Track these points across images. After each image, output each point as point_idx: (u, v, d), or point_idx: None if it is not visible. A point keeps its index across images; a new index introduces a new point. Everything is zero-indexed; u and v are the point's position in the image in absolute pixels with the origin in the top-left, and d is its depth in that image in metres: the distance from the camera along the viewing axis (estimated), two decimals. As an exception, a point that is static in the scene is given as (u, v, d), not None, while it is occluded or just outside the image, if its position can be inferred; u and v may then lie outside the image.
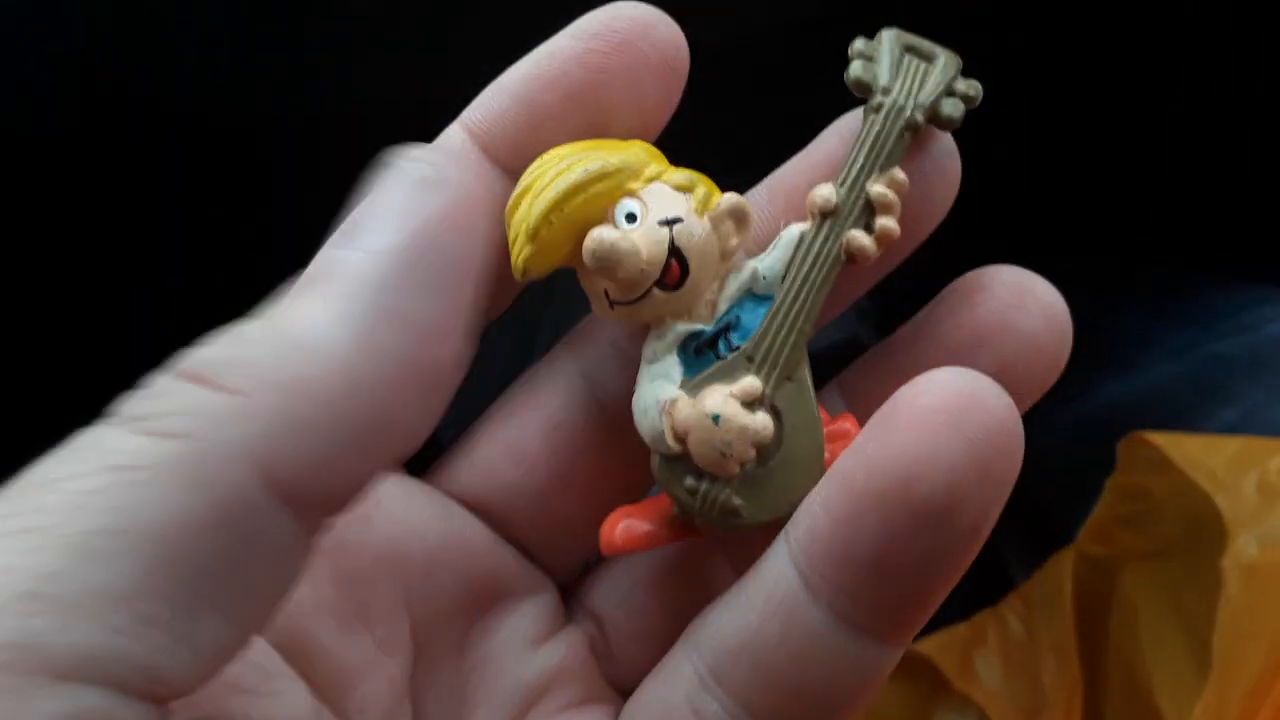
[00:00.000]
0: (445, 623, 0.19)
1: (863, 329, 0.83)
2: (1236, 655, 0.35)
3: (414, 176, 0.15)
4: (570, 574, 0.21)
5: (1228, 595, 0.36)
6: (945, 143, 0.20)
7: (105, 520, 0.12)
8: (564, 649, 0.20)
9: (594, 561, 0.21)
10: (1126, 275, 0.65)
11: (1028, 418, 0.56)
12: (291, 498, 0.13)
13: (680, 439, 0.18)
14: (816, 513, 0.16)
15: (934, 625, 0.54)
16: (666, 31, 0.18)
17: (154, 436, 0.12)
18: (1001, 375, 0.17)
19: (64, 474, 0.12)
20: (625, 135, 0.19)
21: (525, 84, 0.18)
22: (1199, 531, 0.41)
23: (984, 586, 0.60)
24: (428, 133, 0.18)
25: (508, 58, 0.18)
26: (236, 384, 0.13)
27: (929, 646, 0.52)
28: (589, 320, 0.20)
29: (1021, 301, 0.19)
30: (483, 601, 0.19)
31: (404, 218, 0.14)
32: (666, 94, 0.19)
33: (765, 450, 0.18)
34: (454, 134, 0.19)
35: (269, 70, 0.40)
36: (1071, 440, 0.61)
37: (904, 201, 0.19)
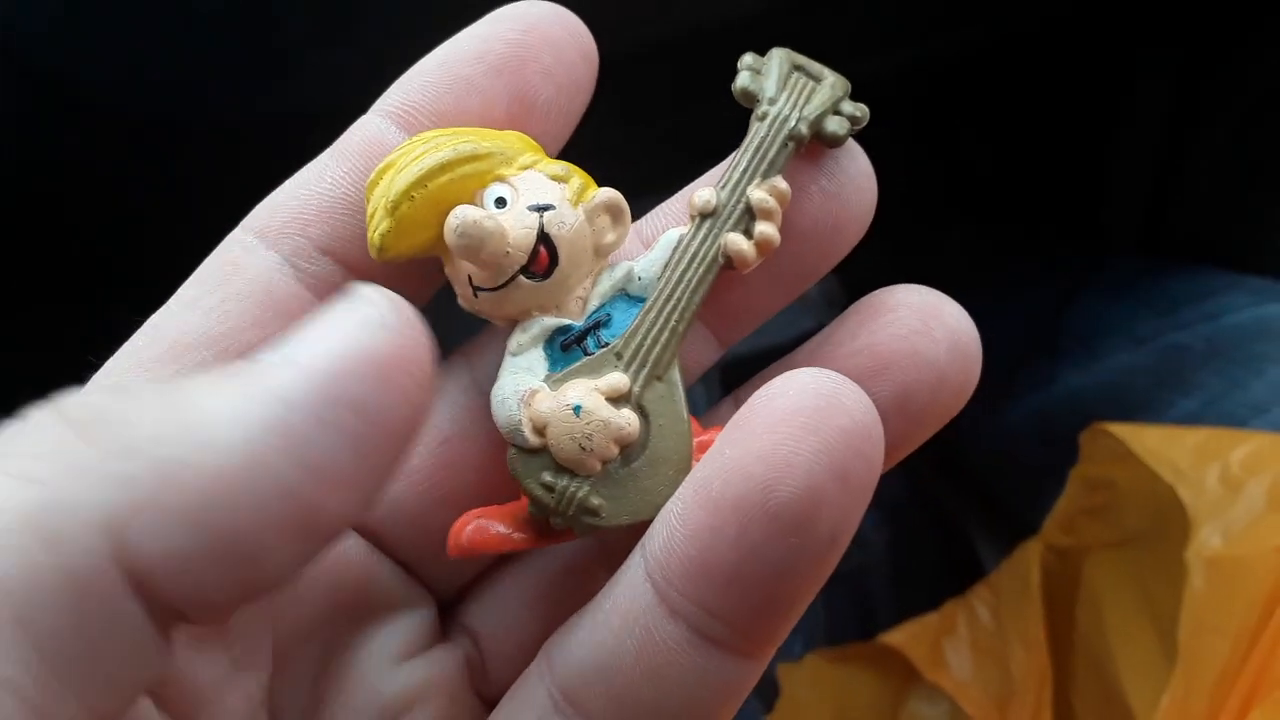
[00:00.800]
0: (309, 637, 0.18)
1: (830, 315, 0.84)
2: (1202, 648, 0.36)
3: (363, 313, 0.13)
4: (452, 590, 0.20)
5: (1192, 588, 0.37)
6: (862, 164, 0.20)
7: None
8: (433, 665, 0.19)
9: (476, 578, 0.20)
10: (1090, 264, 0.65)
11: (993, 407, 0.56)
12: (144, 587, 0.12)
13: (539, 431, 0.17)
14: (672, 524, 0.16)
15: (904, 615, 0.54)
16: (576, 21, 0.19)
17: (19, 480, 0.11)
18: (903, 402, 0.17)
19: None
20: (547, 114, 0.19)
21: (445, 61, 0.18)
22: (1164, 522, 0.41)
23: (956, 575, 0.60)
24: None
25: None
26: (110, 443, 0.12)
27: (899, 637, 0.53)
28: (487, 331, 0.20)
29: (928, 327, 0.17)
30: (352, 615, 0.18)
31: (341, 347, 0.13)
32: (582, 76, 0.19)
33: (629, 449, 0.17)
34: (369, 122, 0.19)
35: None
36: (1037, 430, 0.62)
37: (806, 217, 0.19)
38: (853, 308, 0.18)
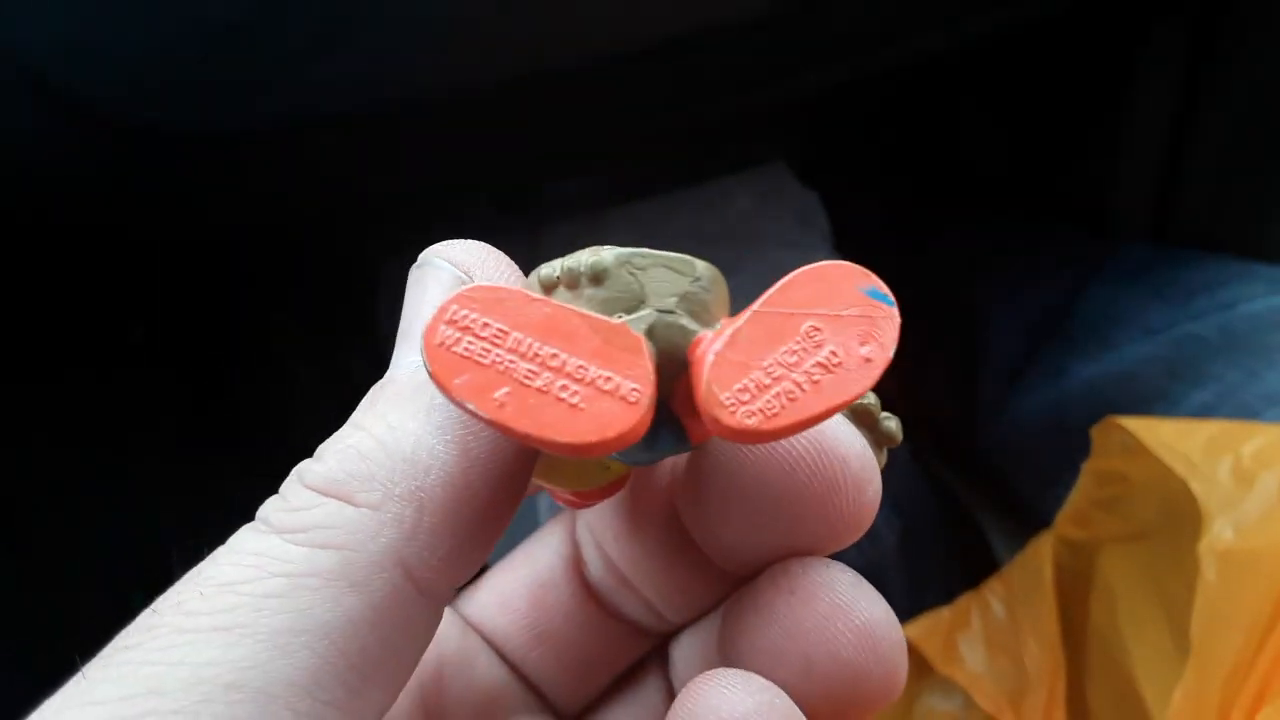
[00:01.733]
0: None
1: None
2: (1215, 641, 0.35)
3: (450, 275, 0.16)
4: (573, 711, 0.21)
5: (1204, 581, 0.37)
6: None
7: (286, 620, 0.14)
8: None
9: (596, 701, 0.21)
10: (1101, 254, 0.65)
11: (1005, 398, 0.56)
12: (427, 588, 0.15)
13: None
14: None
15: (917, 610, 0.54)
16: None
17: (314, 548, 0.14)
18: (825, 700, 0.16)
19: (238, 578, 0.14)
20: None
21: None
22: (1177, 515, 0.41)
23: (969, 569, 0.60)
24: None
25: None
26: (368, 499, 0.15)
27: (913, 631, 0.53)
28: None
29: (835, 628, 0.16)
30: (493, 714, 0.20)
31: None
32: None
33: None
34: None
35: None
36: (1050, 422, 0.61)
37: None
38: (770, 576, 0.17)
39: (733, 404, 0.14)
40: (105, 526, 0.51)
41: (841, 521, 0.16)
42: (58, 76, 0.36)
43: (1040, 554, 0.48)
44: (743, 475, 0.16)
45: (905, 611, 0.55)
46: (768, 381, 0.14)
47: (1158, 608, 0.43)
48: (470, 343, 0.14)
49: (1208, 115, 0.63)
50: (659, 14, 0.38)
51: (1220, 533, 0.37)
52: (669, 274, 0.15)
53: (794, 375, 0.14)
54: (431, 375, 0.14)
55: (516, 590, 0.21)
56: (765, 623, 0.16)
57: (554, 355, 0.14)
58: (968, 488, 0.71)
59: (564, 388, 0.14)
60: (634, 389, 0.14)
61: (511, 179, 0.52)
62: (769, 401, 0.14)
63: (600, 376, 0.14)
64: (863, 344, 0.15)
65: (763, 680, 0.15)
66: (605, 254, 0.15)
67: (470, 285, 0.15)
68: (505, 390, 0.14)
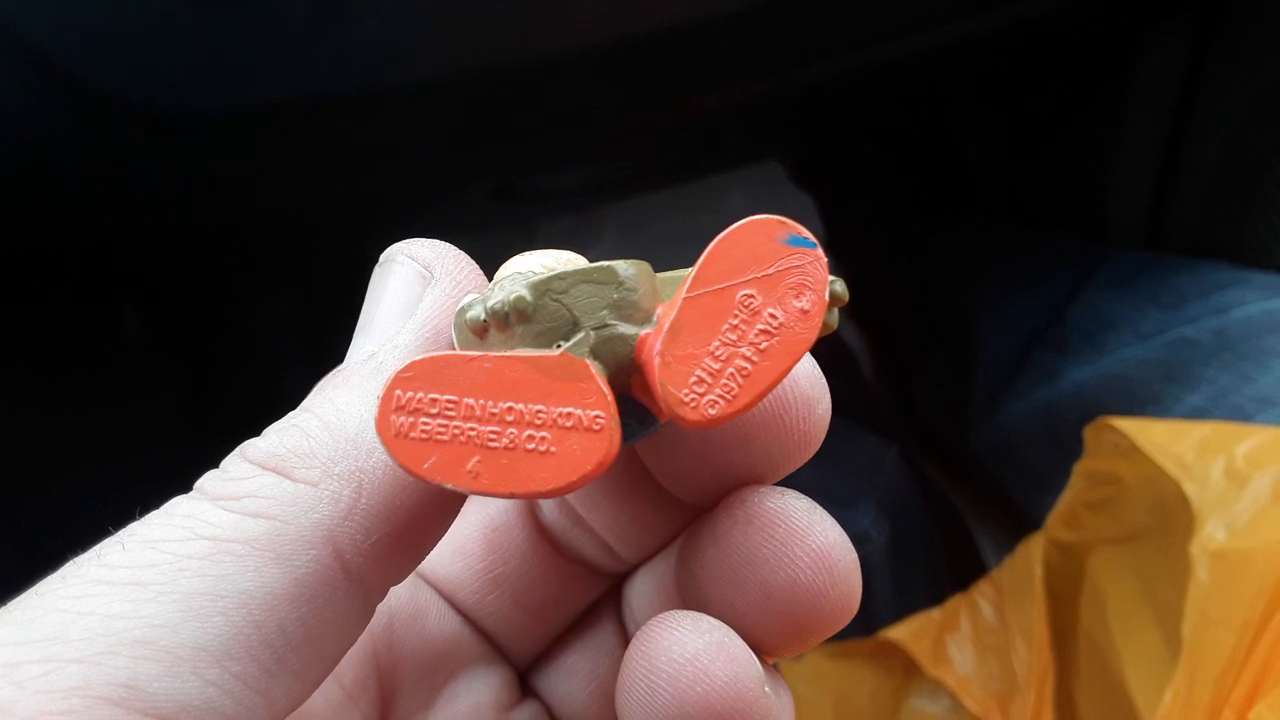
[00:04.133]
0: (411, 681, 0.20)
1: (833, 313, 0.83)
2: (1206, 642, 0.35)
3: (411, 270, 0.17)
4: (526, 658, 0.21)
5: (1196, 582, 0.36)
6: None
7: (205, 584, 0.13)
8: (527, 717, 0.20)
9: (548, 648, 0.21)
10: (1095, 259, 0.65)
11: (997, 402, 0.56)
12: (356, 575, 0.15)
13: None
14: None
15: (905, 612, 0.54)
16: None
17: (244, 515, 0.14)
18: (781, 625, 0.16)
19: (163, 537, 0.14)
20: None
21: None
22: (1168, 517, 0.41)
23: (958, 572, 0.60)
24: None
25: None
26: (307, 475, 0.14)
27: (901, 632, 0.52)
28: None
29: (792, 553, 0.16)
30: (447, 666, 0.20)
31: (417, 313, 0.16)
32: None
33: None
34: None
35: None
36: (1042, 425, 0.61)
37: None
38: (726, 506, 0.17)
39: (692, 399, 0.14)
40: (101, 515, 0.50)
41: (793, 440, 0.16)
42: (55, 57, 0.35)
43: (1031, 555, 0.48)
44: None
45: (893, 613, 0.55)
46: (717, 366, 0.14)
47: (1148, 609, 0.42)
48: (425, 423, 0.14)
49: (1204, 122, 0.63)
50: (654, 3, 0.38)
51: (1213, 533, 0.36)
52: (592, 288, 0.15)
53: (741, 350, 0.15)
54: (398, 465, 0.14)
55: (470, 535, 0.20)
56: (723, 553, 0.16)
57: (509, 409, 0.14)
58: (957, 490, 0.70)
59: (530, 438, 0.14)
60: (596, 416, 0.14)
61: (506, 169, 0.51)
62: (725, 385, 0.14)
63: (560, 415, 0.14)
64: (798, 297, 0.15)
65: (712, 620, 0.16)
66: (520, 287, 0.15)
67: (405, 363, 0.14)
68: (476, 460, 0.14)
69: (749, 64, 0.44)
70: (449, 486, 0.14)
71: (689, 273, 0.15)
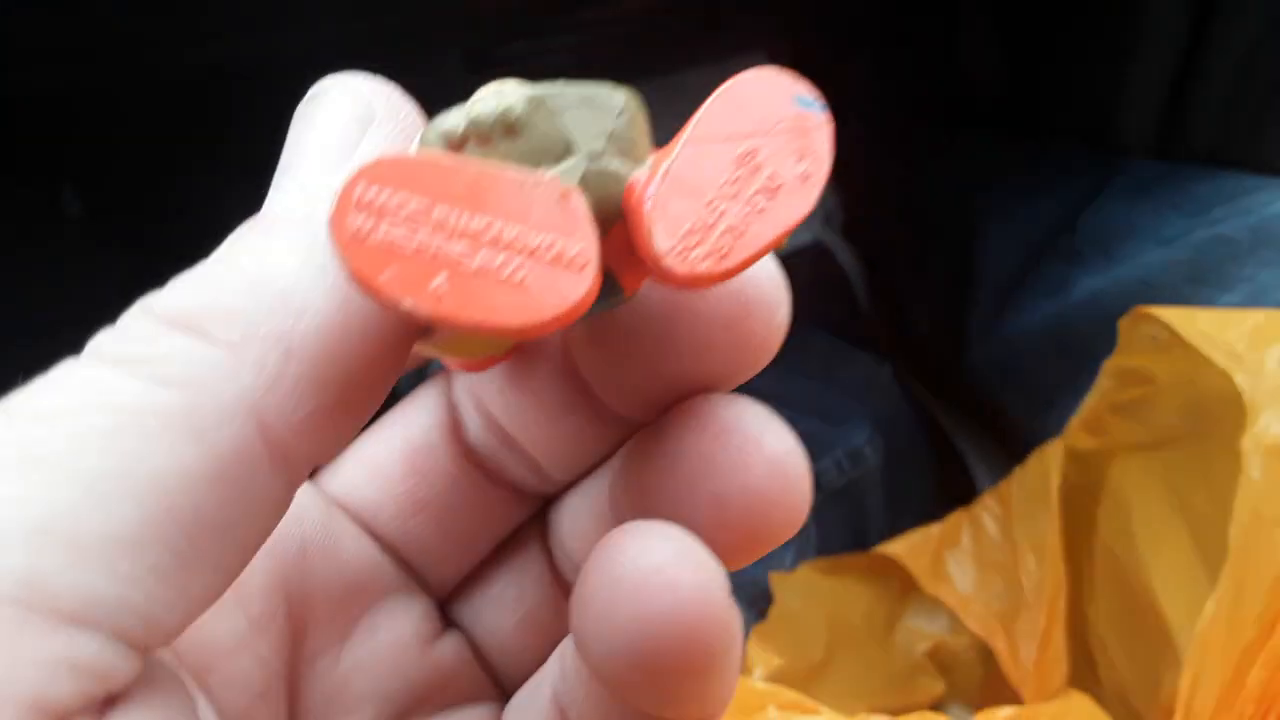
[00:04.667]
0: (324, 613, 0.18)
1: (827, 233, 0.79)
2: (1258, 543, 0.32)
3: (348, 109, 0.15)
4: (442, 589, 0.20)
5: (1247, 479, 0.33)
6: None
7: (111, 463, 0.12)
8: (448, 650, 0.19)
9: (468, 577, 0.20)
10: (1107, 168, 0.61)
11: (1000, 319, 0.52)
12: (281, 453, 0.13)
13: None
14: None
15: (900, 530, 0.51)
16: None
17: (153, 382, 0.12)
18: (732, 535, 0.16)
19: (58, 408, 0.12)
20: None
21: None
22: (1208, 417, 0.38)
23: (952, 494, 0.57)
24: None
25: None
26: (227, 336, 0.13)
27: (898, 548, 0.49)
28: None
29: (747, 460, 0.16)
30: (363, 597, 0.18)
31: (350, 156, 0.14)
32: None
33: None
34: None
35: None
36: (1047, 339, 0.58)
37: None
38: (677, 416, 0.16)
39: (682, 251, 0.13)
40: None
41: (752, 347, 0.16)
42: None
43: (1046, 465, 0.44)
44: (647, 305, 0.16)
45: (887, 535, 0.52)
46: (711, 219, 0.13)
47: (1179, 520, 0.39)
48: (389, 228, 0.12)
49: (1221, 28, 0.59)
50: None
51: (1268, 427, 0.33)
52: (592, 112, 0.14)
53: (737, 207, 0.14)
54: (351, 274, 0.12)
55: (390, 457, 0.19)
56: (673, 465, 0.16)
57: (487, 226, 0.13)
58: (951, 413, 0.68)
59: (504, 264, 0.12)
60: (579, 251, 0.13)
61: (478, 33, 0.47)
62: (718, 241, 0.13)
63: (541, 244, 0.13)
64: (799, 160, 0.14)
65: (676, 528, 0.15)
66: (512, 97, 0.13)
67: (374, 159, 0.12)
68: (442, 278, 0.12)
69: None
70: (406, 304, 0.12)
71: (693, 121, 0.14)
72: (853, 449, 0.59)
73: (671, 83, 0.71)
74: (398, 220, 0.12)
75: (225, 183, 0.60)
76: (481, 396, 0.18)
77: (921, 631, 0.50)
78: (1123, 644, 0.42)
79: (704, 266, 0.13)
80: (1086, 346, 0.49)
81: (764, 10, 0.66)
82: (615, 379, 0.17)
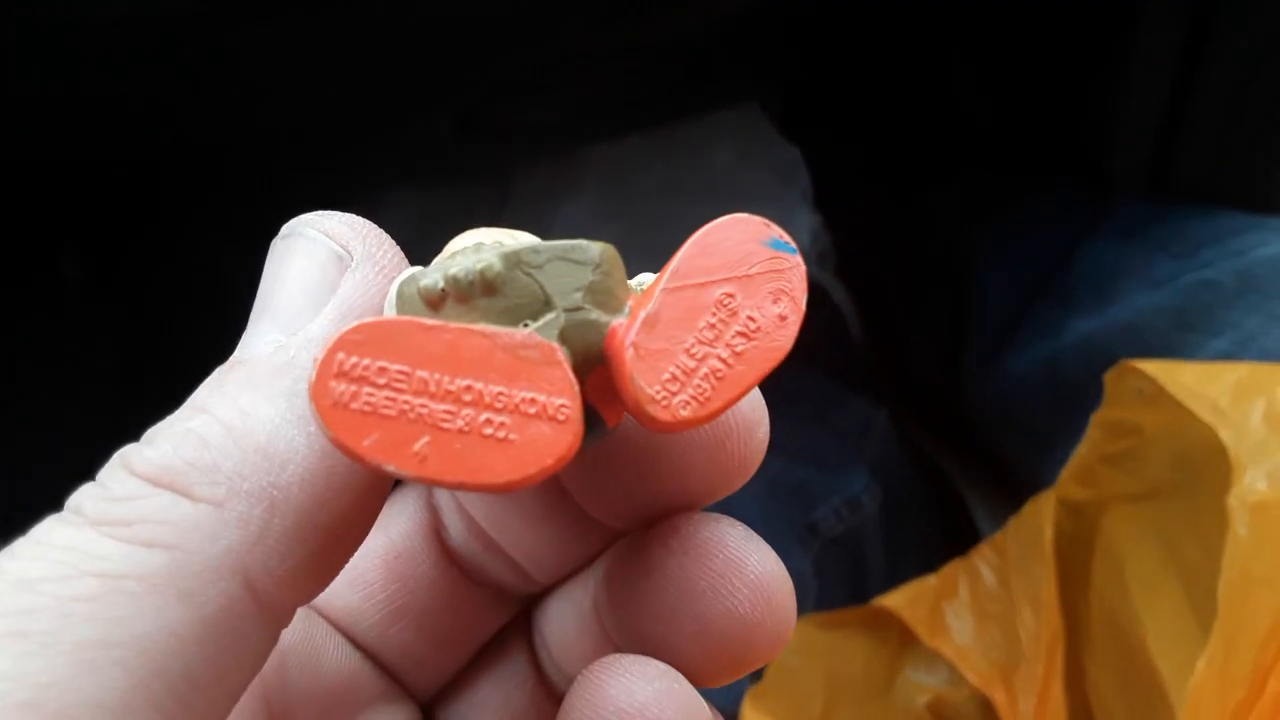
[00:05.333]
0: None
1: (822, 273, 0.80)
2: (1246, 601, 0.32)
3: (325, 248, 0.15)
4: (429, 693, 0.20)
5: (1234, 537, 0.33)
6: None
7: (97, 631, 0.12)
8: None
9: (452, 682, 0.20)
10: (1098, 209, 0.61)
11: (995, 361, 0.52)
12: (268, 604, 0.13)
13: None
14: None
15: (900, 580, 0.50)
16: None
17: (136, 545, 0.12)
18: (716, 657, 0.16)
19: (42, 575, 0.12)
20: None
21: None
22: (1196, 469, 0.38)
23: (952, 541, 0.56)
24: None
25: None
26: (211, 494, 0.13)
27: (896, 600, 0.49)
28: None
29: (730, 584, 0.16)
30: (345, 707, 0.18)
31: (328, 300, 0.14)
32: None
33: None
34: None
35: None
36: (1040, 382, 0.58)
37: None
38: (660, 533, 0.16)
39: (664, 397, 0.14)
40: (45, 478, 0.47)
41: (732, 467, 0.16)
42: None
43: (1040, 515, 0.44)
44: (628, 432, 0.16)
45: (886, 582, 0.52)
46: (692, 364, 0.14)
47: (1171, 573, 0.39)
48: (370, 394, 0.13)
49: (1212, 65, 0.59)
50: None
51: (1252, 484, 0.33)
52: (568, 266, 0.14)
53: (716, 351, 0.14)
54: (334, 441, 0.12)
55: (370, 564, 0.18)
56: (657, 586, 0.16)
57: (467, 387, 0.13)
58: (950, 456, 0.67)
59: (487, 422, 0.13)
60: (561, 405, 0.13)
61: (467, 96, 0.47)
62: (698, 386, 0.14)
63: (523, 400, 0.13)
64: (775, 301, 0.14)
65: (660, 665, 0.15)
66: (489, 256, 0.14)
67: (350, 326, 0.13)
68: (424, 441, 0.13)
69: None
70: (389, 469, 0.12)
71: (668, 269, 0.14)
72: (850, 497, 0.59)
73: (661, 136, 0.71)
74: (378, 386, 0.12)
75: (205, 243, 0.61)
76: (463, 501, 0.18)
77: (921, 684, 0.49)
78: (1120, 697, 0.41)
79: (686, 412, 0.14)
80: (1080, 390, 0.48)
81: (755, 59, 0.67)
82: (598, 494, 0.17)
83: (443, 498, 0.19)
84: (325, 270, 0.15)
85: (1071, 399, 0.50)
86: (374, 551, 0.19)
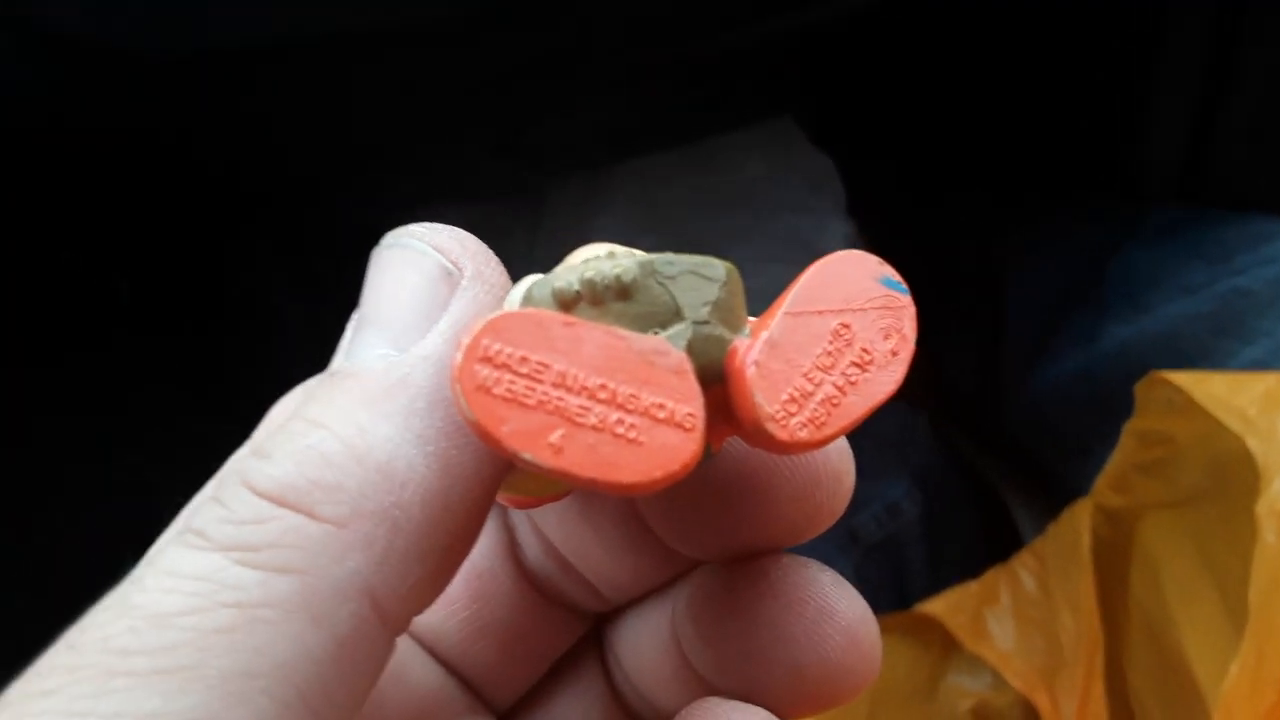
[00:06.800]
0: None
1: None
2: (1276, 608, 0.33)
3: (435, 263, 0.15)
4: (503, 709, 0.20)
5: (1264, 545, 0.34)
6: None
7: (239, 661, 0.12)
8: None
9: (530, 694, 0.20)
10: (1131, 215, 0.62)
11: (1032, 367, 0.53)
12: (391, 619, 0.13)
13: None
14: None
15: (939, 587, 0.51)
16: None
17: (269, 572, 0.12)
18: (806, 699, 0.16)
19: (178, 609, 0.12)
20: None
21: None
22: (1228, 478, 0.38)
23: (992, 546, 0.57)
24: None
25: None
26: (334, 514, 0.13)
27: (938, 606, 0.50)
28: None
29: (823, 632, 0.16)
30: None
31: (440, 317, 0.14)
32: None
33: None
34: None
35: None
36: (1077, 389, 0.58)
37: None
38: (748, 575, 0.17)
39: (783, 417, 0.14)
40: (100, 499, 0.49)
41: (819, 514, 0.16)
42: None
43: (1077, 522, 0.45)
44: (717, 470, 0.16)
45: (928, 588, 0.53)
46: (810, 388, 0.14)
47: (1207, 578, 0.40)
48: (512, 381, 0.13)
49: (1241, 72, 0.59)
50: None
51: (1281, 492, 0.34)
52: (698, 280, 0.14)
53: (832, 378, 0.14)
54: (474, 425, 0.13)
55: (453, 583, 0.18)
56: (749, 627, 0.16)
57: (602, 385, 0.13)
58: (991, 461, 0.68)
59: (619, 421, 0.13)
60: (688, 413, 0.13)
61: (502, 119, 0.49)
62: (815, 410, 0.14)
63: (652, 404, 0.13)
64: (886, 338, 0.15)
65: (761, 713, 0.15)
66: (627, 262, 0.14)
67: (498, 314, 0.13)
68: (560, 433, 0.13)
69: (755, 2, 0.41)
70: (526, 457, 0.13)
71: (789, 295, 0.15)
72: (891, 503, 0.60)
73: (695, 150, 0.73)
74: (519, 374, 0.13)
75: (255, 271, 0.63)
76: (539, 523, 0.19)
77: (964, 689, 0.50)
78: (1159, 701, 0.42)
79: (803, 434, 0.14)
80: (1117, 397, 0.49)
81: (785, 74, 0.68)
82: (679, 529, 0.17)
83: (518, 518, 0.19)
84: (436, 286, 0.14)
85: (1108, 406, 0.51)
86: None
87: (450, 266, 0.14)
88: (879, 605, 0.55)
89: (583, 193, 0.74)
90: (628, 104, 0.57)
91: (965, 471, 0.66)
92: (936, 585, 0.52)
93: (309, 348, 0.15)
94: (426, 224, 0.15)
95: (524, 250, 0.70)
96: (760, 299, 0.16)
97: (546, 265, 0.15)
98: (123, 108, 0.38)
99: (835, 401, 0.14)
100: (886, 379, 0.15)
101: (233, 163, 0.47)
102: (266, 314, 0.62)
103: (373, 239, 0.15)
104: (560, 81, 0.43)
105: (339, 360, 0.14)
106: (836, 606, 0.16)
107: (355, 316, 0.15)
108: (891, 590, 0.58)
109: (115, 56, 0.35)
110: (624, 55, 0.42)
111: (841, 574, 0.16)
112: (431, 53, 0.38)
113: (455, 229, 0.15)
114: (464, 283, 0.14)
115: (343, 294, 0.17)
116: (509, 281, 0.15)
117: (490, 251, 0.15)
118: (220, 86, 0.37)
